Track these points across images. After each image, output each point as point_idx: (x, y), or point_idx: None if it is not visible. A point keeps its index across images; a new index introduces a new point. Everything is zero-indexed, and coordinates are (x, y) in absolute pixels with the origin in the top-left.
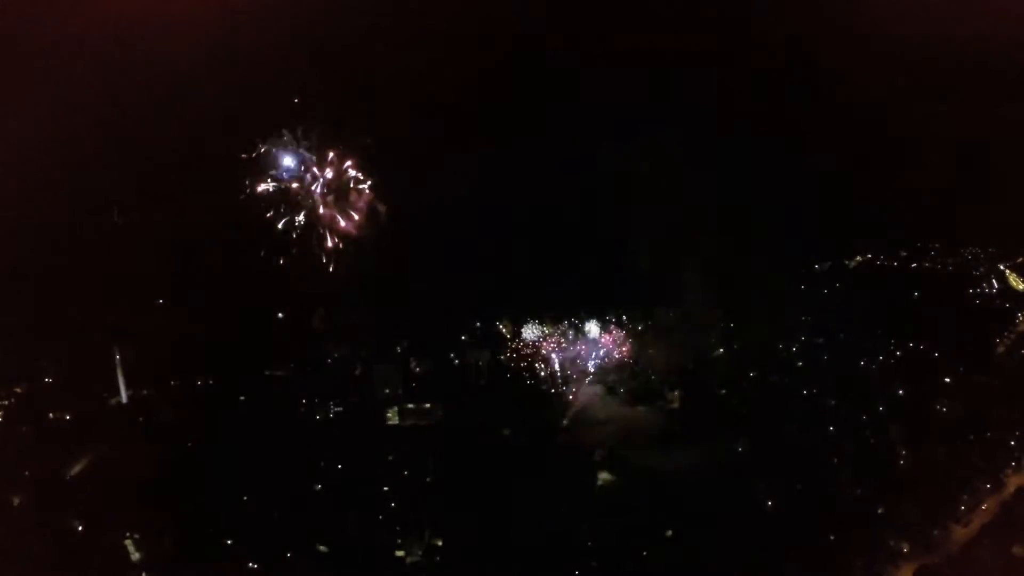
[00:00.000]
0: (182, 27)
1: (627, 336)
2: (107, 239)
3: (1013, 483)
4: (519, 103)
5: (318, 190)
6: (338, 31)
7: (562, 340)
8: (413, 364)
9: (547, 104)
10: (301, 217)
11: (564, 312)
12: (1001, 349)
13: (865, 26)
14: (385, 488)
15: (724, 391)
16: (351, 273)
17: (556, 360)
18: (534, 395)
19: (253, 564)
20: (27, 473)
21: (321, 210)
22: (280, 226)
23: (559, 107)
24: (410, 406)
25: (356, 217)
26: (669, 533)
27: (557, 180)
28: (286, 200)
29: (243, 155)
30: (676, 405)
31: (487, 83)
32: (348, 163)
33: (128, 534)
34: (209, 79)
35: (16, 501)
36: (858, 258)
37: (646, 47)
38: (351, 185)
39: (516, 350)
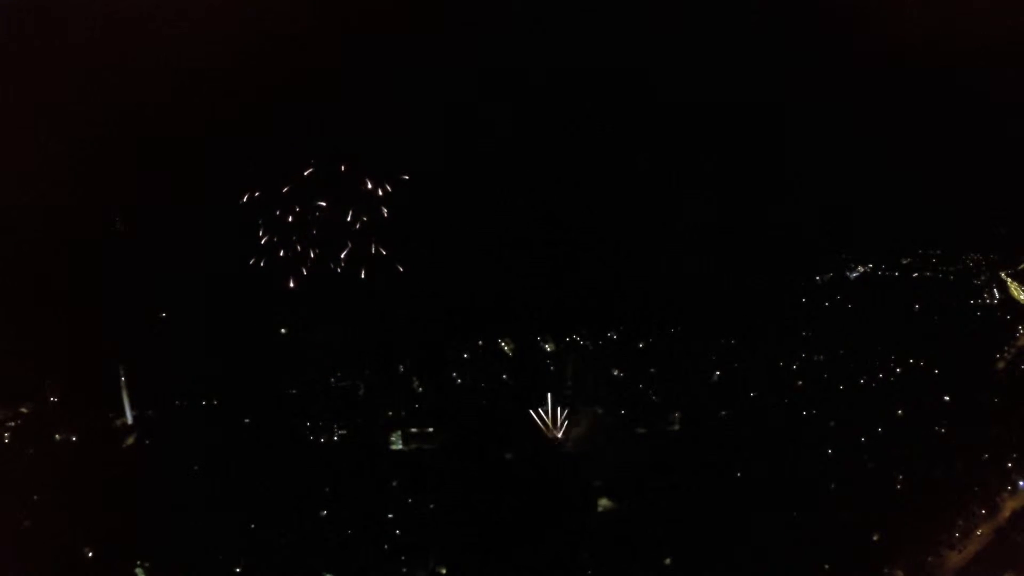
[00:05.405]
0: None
1: (627, 355)
2: (111, 253)
3: (1008, 507)
4: (520, 105)
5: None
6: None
7: (561, 359)
8: (416, 384)
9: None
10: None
11: (563, 330)
12: (1001, 364)
13: (862, 28)
14: (390, 515)
15: (725, 413)
16: (355, 291)
17: (555, 380)
18: (535, 417)
19: None
20: (36, 497)
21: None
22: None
23: (559, 113)
24: (413, 430)
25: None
26: (668, 561)
27: (556, 193)
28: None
29: (247, 167)
30: (677, 427)
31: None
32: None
33: (139, 561)
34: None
35: (25, 525)
36: (860, 268)
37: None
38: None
39: (517, 369)
